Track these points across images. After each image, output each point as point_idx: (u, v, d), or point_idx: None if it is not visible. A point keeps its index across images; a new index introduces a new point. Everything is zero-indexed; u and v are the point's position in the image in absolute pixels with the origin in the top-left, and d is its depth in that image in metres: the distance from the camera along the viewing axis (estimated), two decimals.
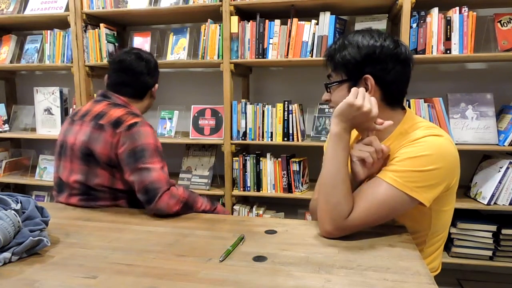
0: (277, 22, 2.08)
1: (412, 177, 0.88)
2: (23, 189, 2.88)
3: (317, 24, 2.04)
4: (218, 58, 2.16)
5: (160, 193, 1.15)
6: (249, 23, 2.11)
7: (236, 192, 2.23)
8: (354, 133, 1.20)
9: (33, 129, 2.63)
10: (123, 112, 1.29)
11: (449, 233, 1.90)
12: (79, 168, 1.27)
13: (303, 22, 2.05)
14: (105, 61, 2.31)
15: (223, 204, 2.25)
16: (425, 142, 0.90)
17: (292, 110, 2.10)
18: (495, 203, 1.88)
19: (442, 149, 0.90)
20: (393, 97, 0.98)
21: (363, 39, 0.94)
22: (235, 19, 2.09)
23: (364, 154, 0.92)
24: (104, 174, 1.25)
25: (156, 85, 1.49)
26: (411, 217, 0.99)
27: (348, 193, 0.92)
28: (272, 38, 2.08)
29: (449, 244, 1.95)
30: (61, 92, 2.51)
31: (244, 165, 2.20)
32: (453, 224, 1.92)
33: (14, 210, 0.85)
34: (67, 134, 1.33)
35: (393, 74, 0.94)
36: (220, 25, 2.14)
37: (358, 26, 2.09)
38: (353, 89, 0.93)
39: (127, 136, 1.22)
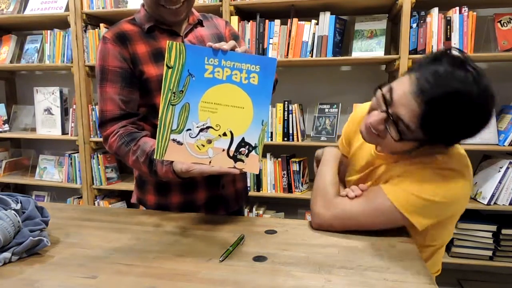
0: (277, 22, 2.08)
1: (414, 201, 0.86)
2: (23, 189, 2.89)
3: (317, 24, 2.04)
4: None
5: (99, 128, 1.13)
6: (249, 23, 2.11)
7: None
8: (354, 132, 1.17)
9: (33, 129, 2.63)
10: None
11: None
12: None
13: (303, 22, 2.05)
14: None
15: None
16: (442, 177, 0.85)
17: (292, 110, 2.10)
18: (495, 203, 1.88)
19: (456, 191, 0.86)
20: None
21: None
22: (235, 19, 2.09)
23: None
24: None
25: None
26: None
27: (336, 183, 1.00)
28: (272, 38, 2.08)
29: (449, 244, 1.95)
30: (61, 92, 2.51)
31: None
32: None
33: (14, 210, 0.85)
34: None
35: None
36: None
37: (358, 26, 2.10)
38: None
39: None
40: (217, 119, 0.88)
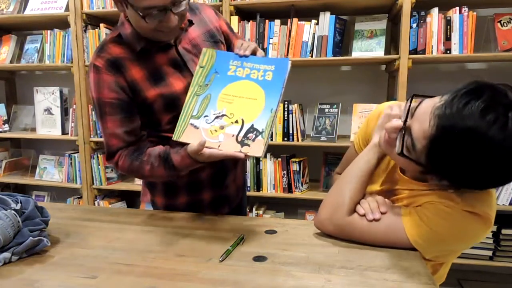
0: (277, 22, 2.08)
1: (428, 235, 0.83)
2: (23, 189, 2.89)
3: (317, 24, 2.04)
4: None
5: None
6: (249, 23, 2.11)
7: None
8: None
9: (33, 129, 2.63)
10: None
11: None
12: None
13: (303, 22, 2.05)
14: None
15: None
16: (466, 220, 0.80)
17: (292, 110, 2.10)
18: None
19: (473, 235, 0.84)
20: None
21: None
22: (235, 19, 2.09)
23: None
24: None
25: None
26: None
27: (357, 194, 0.91)
28: (272, 38, 2.08)
29: None
30: (61, 92, 2.51)
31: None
32: None
33: (14, 210, 0.85)
34: None
35: None
36: None
37: (358, 26, 2.09)
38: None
39: None
40: (232, 109, 0.98)
